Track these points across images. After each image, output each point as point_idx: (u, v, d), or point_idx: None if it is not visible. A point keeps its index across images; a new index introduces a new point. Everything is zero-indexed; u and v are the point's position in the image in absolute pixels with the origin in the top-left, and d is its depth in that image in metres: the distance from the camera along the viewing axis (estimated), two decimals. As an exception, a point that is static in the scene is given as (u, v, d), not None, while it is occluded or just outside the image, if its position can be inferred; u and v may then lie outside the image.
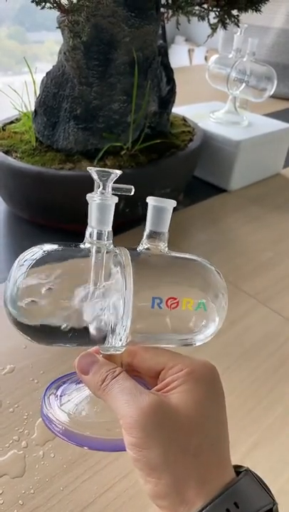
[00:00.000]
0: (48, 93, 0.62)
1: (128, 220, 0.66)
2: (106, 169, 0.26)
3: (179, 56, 3.23)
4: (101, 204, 0.26)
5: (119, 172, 0.26)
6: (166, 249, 0.29)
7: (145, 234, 0.28)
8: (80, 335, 0.27)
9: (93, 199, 0.26)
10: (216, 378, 0.28)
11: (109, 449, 0.29)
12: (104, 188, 0.26)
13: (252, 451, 0.38)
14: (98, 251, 0.27)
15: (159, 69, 0.68)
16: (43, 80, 0.63)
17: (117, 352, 0.29)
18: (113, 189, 0.27)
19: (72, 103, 0.60)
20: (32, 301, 0.26)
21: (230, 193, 0.83)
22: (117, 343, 0.28)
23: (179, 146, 0.69)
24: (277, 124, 0.88)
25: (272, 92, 0.83)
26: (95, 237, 0.27)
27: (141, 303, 0.27)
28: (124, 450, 0.26)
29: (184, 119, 0.81)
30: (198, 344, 0.30)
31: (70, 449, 0.37)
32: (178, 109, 0.87)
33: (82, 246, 0.28)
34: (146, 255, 0.28)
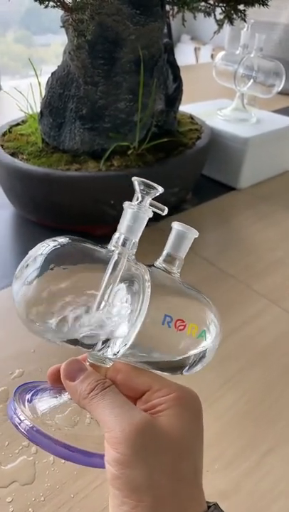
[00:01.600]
0: (54, 94, 0.62)
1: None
2: (151, 183, 0.27)
3: (185, 55, 3.21)
4: (136, 213, 0.27)
5: (161, 189, 0.27)
6: (178, 275, 0.29)
7: (162, 255, 0.29)
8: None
9: (131, 207, 0.27)
10: (199, 408, 0.28)
11: (84, 463, 0.27)
12: (142, 200, 0.27)
13: (267, 456, 0.37)
14: (119, 256, 0.27)
15: (165, 67, 0.67)
16: (48, 81, 0.63)
17: (104, 365, 0.29)
18: (150, 204, 0.27)
19: (78, 103, 0.60)
20: (42, 302, 0.26)
21: (240, 191, 0.82)
22: (110, 355, 0.28)
23: (187, 145, 0.68)
24: (287, 121, 0.86)
25: (280, 88, 0.81)
26: (120, 243, 0.27)
27: (151, 317, 0.27)
28: (97, 467, 0.25)
29: (192, 117, 0.80)
30: (184, 374, 0.30)
31: (80, 455, 0.36)
32: (185, 108, 0.86)
33: (101, 249, 0.28)
34: (161, 274, 0.29)
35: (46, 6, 0.44)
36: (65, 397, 0.30)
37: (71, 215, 0.62)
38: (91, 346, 0.27)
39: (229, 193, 0.81)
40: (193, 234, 0.28)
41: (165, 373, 0.30)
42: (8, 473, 0.35)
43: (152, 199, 0.28)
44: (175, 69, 0.69)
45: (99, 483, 0.34)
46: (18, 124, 0.72)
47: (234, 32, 1.52)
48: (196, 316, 0.29)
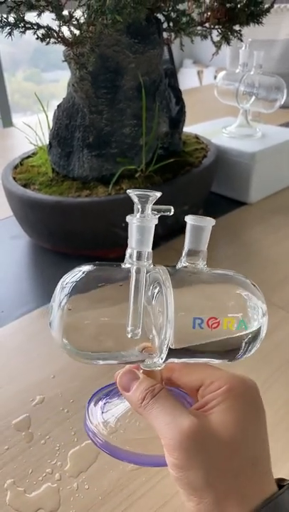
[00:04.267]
0: (61, 125, 0.64)
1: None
2: (146, 191, 0.27)
3: (189, 79, 3.29)
4: (141, 226, 0.27)
5: (158, 193, 0.27)
6: (205, 266, 0.29)
7: (184, 252, 0.28)
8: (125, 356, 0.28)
9: (133, 221, 0.27)
10: (255, 395, 0.28)
11: (150, 464, 0.29)
12: (143, 210, 0.27)
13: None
14: (138, 271, 0.27)
15: (167, 91, 0.69)
16: (54, 113, 0.65)
17: (157, 368, 0.29)
18: (153, 210, 0.27)
19: (85, 132, 0.62)
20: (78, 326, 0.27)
21: (251, 205, 0.82)
22: (158, 361, 0.28)
23: (193, 164, 0.69)
24: (292, 133, 0.87)
25: (283, 102, 0.82)
26: (134, 258, 0.27)
27: (181, 323, 0.27)
28: (165, 465, 0.26)
29: (197, 137, 0.82)
30: (237, 360, 0.30)
31: (104, 480, 0.36)
32: (190, 128, 0.88)
33: (122, 266, 0.28)
34: (186, 273, 0.28)
35: (48, 43, 0.46)
36: None
37: (84, 241, 0.63)
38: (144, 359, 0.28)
39: (240, 208, 0.82)
40: (210, 223, 0.27)
41: (220, 361, 0.29)
42: (33, 501, 0.34)
43: (159, 211, 0.28)
44: (177, 92, 0.70)
45: (124, 508, 0.34)
46: (29, 157, 0.75)
47: (234, 52, 1.55)
48: (229, 306, 0.28)
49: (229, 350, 0.28)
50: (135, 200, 0.27)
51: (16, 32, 0.46)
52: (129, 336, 0.27)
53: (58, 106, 0.64)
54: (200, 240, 0.28)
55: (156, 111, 0.63)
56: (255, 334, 0.29)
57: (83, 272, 0.28)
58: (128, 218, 0.27)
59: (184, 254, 0.29)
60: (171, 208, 0.27)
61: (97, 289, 0.28)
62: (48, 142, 0.67)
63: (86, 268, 0.28)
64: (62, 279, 0.28)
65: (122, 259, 0.29)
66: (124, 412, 0.33)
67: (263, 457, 0.26)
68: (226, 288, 0.29)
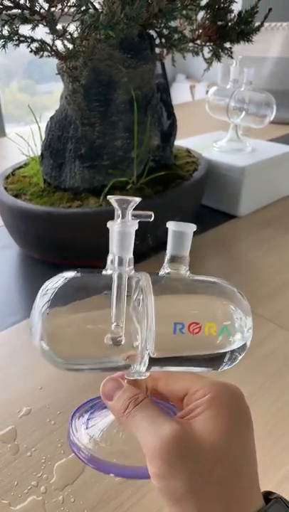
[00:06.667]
0: (53, 136, 0.64)
1: (138, 252, 0.66)
2: (126, 197, 0.27)
3: (181, 93, 3.33)
4: (121, 231, 0.27)
5: (138, 199, 0.27)
6: (188, 272, 0.29)
7: (166, 258, 0.28)
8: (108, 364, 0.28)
9: (114, 226, 0.27)
10: (240, 402, 0.27)
11: (137, 476, 0.28)
12: (124, 216, 0.27)
13: (283, 484, 0.36)
14: (120, 277, 0.27)
15: (159, 105, 0.70)
16: (47, 125, 0.66)
17: (142, 377, 0.29)
18: (133, 216, 0.27)
19: (77, 143, 0.62)
20: (59, 334, 0.27)
21: (240, 218, 0.83)
22: (141, 369, 0.28)
23: (184, 177, 0.69)
24: (282, 148, 0.88)
25: (272, 117, 0.84)
26: (116, 264, 0.27)
27: (162, 328, 0.27)
28: (148, 478, 0.26)
29: (188, 151, 0.83)
30: (224, 369, 0.29)
31: (91, 493, 0.35)
32: (182, 142, 0.89)
33: (104, 272, 0.28)
34: (168, 280, 0.28)
35: (41, 56, 0.47)
36: None
37: (74, 251, 0.63)
38: (127, 367, 0.28)
39: (230, 221, 0.82)
40: (191, 228, 0.28)
41: (205, 370, 0.29)
42: (18, 515, 0.34)
43: (139, 216, 0.28)
44: (169, 107, 0.71)
45: (110, 521, 0.33)
46: (20, 167, 0.75)
47: (226, 68, 1.58)
48: (212, 313, 0.28)
49: (213, 358, 0.28)
50: (115, 205, 0.27)
51: (10, 44, 0.47)
52: (111, 343, 0.27)
53: (51, 118, 0.65)
54: (182, 245, 0.28)
55: (148, 124, 0.64)
56: (241, 343, 0.28)
57: (65, 279, 0.28)
58: (109, 224, 0.27)
59: (166, 260, 0.29)
60: (151, 213, 0.27)
61: (81, 296, 0.28)
62: (40, 153, 0.68)
63: (68, 274, 0.28)
64: (43, 286, 0.28)
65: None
66: (108, 425, 0.32)
67: (248, 468, 0.25)
68: (211, 296, 0.29)
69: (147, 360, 0.27)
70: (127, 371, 0.29)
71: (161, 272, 0.29)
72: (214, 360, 0.28)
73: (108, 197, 0.27)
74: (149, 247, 0.65)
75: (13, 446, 0.40)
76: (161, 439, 0.24)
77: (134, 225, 0.27)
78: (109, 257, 0.28)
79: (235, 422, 0.26)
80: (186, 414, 0.27)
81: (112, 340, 0.27)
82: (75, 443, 0.31)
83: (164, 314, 0.27)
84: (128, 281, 0.27)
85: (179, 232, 0.28)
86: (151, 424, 0.26)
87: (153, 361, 0.27)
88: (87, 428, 0.33)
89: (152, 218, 0.28)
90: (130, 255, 0.28)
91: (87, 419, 0.33)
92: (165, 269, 0.29)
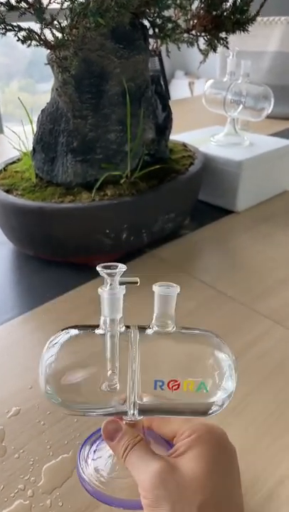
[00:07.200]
0: (44, 129, 0.63)
1: (133, 248, 0.64)
2: (112, 265, 0.29)
3: (180, 90, 3.31)
4: (111, 297, 0.30)
5: (124, 267, 0.29)
6: (174, 328, 0.31)
7: (154, 316, 0.31)
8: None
9: (104, 294, 0.30)
10: (222, 441, 0.30)
11: (134, 507, 0.31)
12: (112, 283, 0.30)
13: (281, 485, 0.35)
14: (112, 337, 0.30)
15: (154, 97, 0.69)
16: (38, 118, 0.64)
17: (137, 419, 0.32)
18: (120, 283, 0.30)
19: (69, 137, 0.61)
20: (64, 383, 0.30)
21: (238, 213, 0.82)
22: (135, 413, 0.31)
23: (180, 171, 0.68)
24: (280, 142, 0.87)
25: (270, 111, 0.82)
26: (108, 325, 0.30)
27: (145, 384, 0.30)
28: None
29: (184, 145, 0.81)
30: (210, 415, 0.31)
31: (78, 496, 0.34)
32: (178, 136, 0.88)
33: (97, 331, 0.31)
34: (155, 336, 0.31)
35: (29, 45, 0.45)
36: None
37: (68, 247, 0.61)
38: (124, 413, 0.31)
39: (227, 216, 0.81)
40: (175, 291, 0.30)
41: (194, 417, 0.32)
42: (3, 520, 0.33)
43: (125, 283, 0.30)
44: (163, 99, 0.70)
45: (99, 526, 0.32)
46: (13, 162, 0.74)
47: (223, 62, 1.56)
48: (191, 369, 0.30)
49: (197, 409, 0.31)
50: (105, 275, 0.30)
51: (10, 44, 0.45)
52: (108, 389, 0.30)
53: (42, 110, 0.63)
54: (168, 305, 0.30)
55: (142, 117, 0.62)
56: (224, 395, 0.30)
57: (70, 336, 0.31)
58: (99, 291, 0.30)
59: (154, 318, 0.31)
60: (137, 279, 0.30)
61: (79, 347, 0.31)
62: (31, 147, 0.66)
63: (72, 332, 0.31)
64: (51, 339, 0.31)
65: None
66: (112, 457, 0.35)
67: (230, 498, 0.28)
68: (194, 351, 0.32)
69: (136, 411, 0.31)
70: (125, 417, 0.32)
71: (149, 331, 0.31)
72: (199, 411, 0.31)
73: (97, 267, 0.30)
74: (144, 243, 0.64)
75: (0, 447, 0.38)
76: (149, 473, 0.28)
77: (121, 291, 0.30)
78: (102, 319, 0.30)
79: (217, 460, 0.29)
80: (172, 453, 0.30)
81: (108, 386, 0.30)
82: (83, 476, 0.34)
83: (148, 370, 0.30)
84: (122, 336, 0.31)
85: (164, 294, 0.30)
86: (142, 462, 0.29)
87: (143, 411, 0.31)
88: (93, 460, 0.35)
89: (138, 283, 0.30)
90: (120, 315, 0.30)
91: (94, 451, 0.36)
92: (153, 327, 0.31)
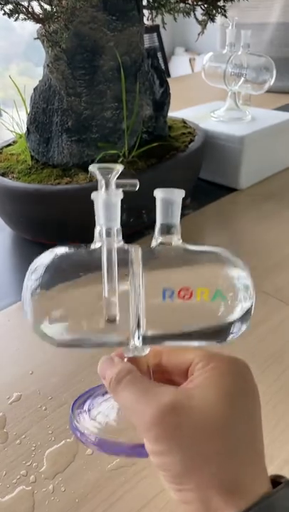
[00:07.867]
0: (38, 109, 0.61)
1: (133, 230, 0.63)
2: (108, 165, 0.26)
3: (181, 66, 3.24)
4: (107, 201, 0.26)
5: (121, 167, 0.26)
6: (180, 241, 0.27)
7: (156, 229, 0.27)
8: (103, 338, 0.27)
9: (98, 197, 0.26)
10: (245, 372, 0.25)
11: (144, 455, 0.26)
12: (108, 185, 0.26)
13: (286, 466, 0.34)
14: (109, 250, 0.26)
15: (150, 72, 0.66)
16: (31, 97, 0.62)
17: (141, 354, 0.28)
18: (117, 186, 0.26)
19: (63, 116, 0.59)
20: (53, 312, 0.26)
21: (241, 191, 0.79)
22: (138, 343, 0.26)
23: (179, 148, 0.66)
24: (283, 115, 0.84)
25: (272, 83, 0.79)
26: (104, 235, 0.26)
27: (152, 299, 0.25)
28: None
29: (184, 121, 0.79)
30: (227, 340, 0.27)
31: (82, 481, 0.33)
32: (178, 113, 0.85)
33: (92, 246, 0.27)
34: (159, 250, 0.27)
35: (16, 19, 0.43)
36: None
37: (66, 230, 0.60)
38: (124, 343, 0.27)
39: (230, 194, 0.79)
40: (180, 195, 0.26)
41: (206, 343, 0.27)
42: (6, 506, 0.32)
43: (123, 186, 0.26)
44: (161, 73, 0.67)
45: (102, 510, 0.32)
46: (9, 145, 0.72)
47: (224, 37, 1.51)
48: (205, 278, 0.26)
49: (213, 330, 0.26)
50: (98, 175, 0.26)
51: (7, 27, 0.43)
52: (106, 318, 0.26)
53: (35, 89, 0.61)
54: (171, 213, 0.26)
55: (138, 93, 0.60)
56: (242, 312, 0.27)
57: (55, 255, 0.27)
58: (93, 195, 0.26)
59: (156, 231, 0.27)
60: (137, 181, 0.26)
61: (72, 273, 0.26)
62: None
63: (58, 250, 0.27)
64: (32, 263, 0.27)
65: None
66: (111, 408, 0.31)
67: (252, 442, 0.23)
68: (205, 263, 0.27)
69: (141, 338, 0.26)
70: (125, 348, 0.28)
71: (153, 244, 0.27)
72: (215, 333, 0.27)
73: (90, 166, 0.26)
74: (144, 224, 0.62)
75: (2, 434, 0.38)
76: (156, 407, 0.22)
77: (119, 195, 0.26)
78: (97, 229, 0.26)
79: (239, 394, 0.24)
80: (185, 384, 0.25)
81: (106, 316, 0.25)
82: (79, 430, 0.30)
83: (154, 283, 0.25)
84: (122, 256, 0.26)
85: (167, 199, 0.26)
86: (143, 396, 0.24)
87: (148, 338, 0.26)
88: (89, 411, 0.32)
89: (137, 187, 0.26)
90: (118, 226, 0.26)
91: (89, 410, 0.32)
92: (157, 240, 0.27)
